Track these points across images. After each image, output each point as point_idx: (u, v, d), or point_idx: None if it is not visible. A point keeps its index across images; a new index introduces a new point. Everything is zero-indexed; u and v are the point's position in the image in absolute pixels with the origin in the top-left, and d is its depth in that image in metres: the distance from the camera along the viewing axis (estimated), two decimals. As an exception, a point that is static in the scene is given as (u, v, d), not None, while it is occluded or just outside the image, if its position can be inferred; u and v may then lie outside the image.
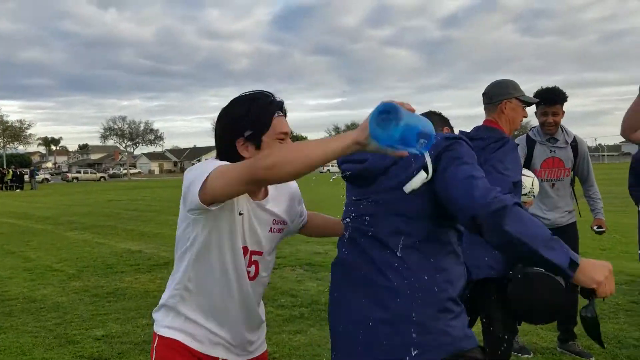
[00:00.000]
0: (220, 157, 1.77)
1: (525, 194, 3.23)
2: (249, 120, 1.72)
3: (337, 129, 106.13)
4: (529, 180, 3.26)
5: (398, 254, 1.69)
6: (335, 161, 1.88)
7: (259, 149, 1.73)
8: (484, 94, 3.02)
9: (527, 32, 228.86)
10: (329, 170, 50.77)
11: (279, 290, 5.99)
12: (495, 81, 3.01)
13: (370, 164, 1.81)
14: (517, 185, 2.71)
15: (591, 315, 1.54)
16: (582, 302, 1.59)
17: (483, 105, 3.01)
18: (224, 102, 1.79)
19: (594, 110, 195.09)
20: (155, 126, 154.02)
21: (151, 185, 43.82)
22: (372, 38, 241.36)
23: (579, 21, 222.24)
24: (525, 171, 3.25)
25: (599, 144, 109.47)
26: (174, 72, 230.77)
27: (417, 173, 1.66)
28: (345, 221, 1.90)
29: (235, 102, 1.78)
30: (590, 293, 1.45)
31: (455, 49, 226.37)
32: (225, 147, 1.76)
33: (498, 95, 2.94)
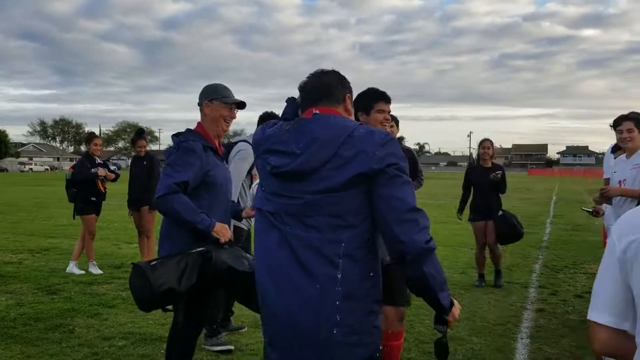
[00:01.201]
0: None
1: None
2: None
3: (43, 124, 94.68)
4: None
5: (333, 261, 1.73)
6: None
7: None
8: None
9: (244, 45, 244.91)
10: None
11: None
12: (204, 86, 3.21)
13: (305, 159, 1.76)
14: (191, 185, 2.95)
15: (445, 341, 1.87)
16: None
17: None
18: None
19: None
20: None
21: None
22: (86, 29, 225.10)
23: (289, 41, 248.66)
24: None
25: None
26: None
27: (352, 176, 1.72)
28: (264, 213, 1.87)
29: None
30: (445, 323, 1.84)
31: (176, 52, 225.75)
32: None
33: (200, 98, 3.16)
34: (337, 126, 1.79)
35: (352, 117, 1.99)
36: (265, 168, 1.88)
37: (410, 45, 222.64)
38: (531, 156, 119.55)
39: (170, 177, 2.90)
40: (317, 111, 1.88)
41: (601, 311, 1.32)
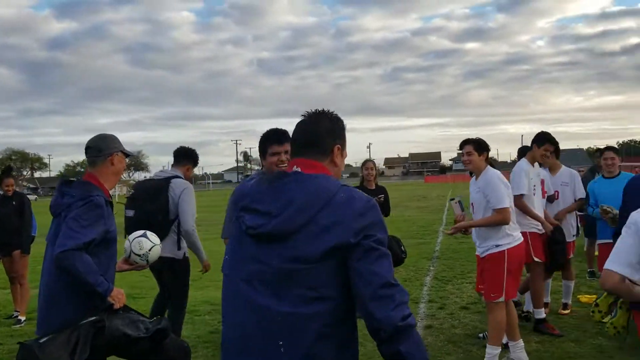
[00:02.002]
0: None
1: (139, 255, 3.25)
2: None
3: None
4: (148, 244, 3.26)
5: (306, 338, 1.64)
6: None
7: None
8: (88, 148, 3.07)
9: (138, 63, 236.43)
10: None
11: None
12: (100, 135, 3.14)
13: (280, 220, 1.69)
14: (94, 243, 2.82)
15: None
16: None
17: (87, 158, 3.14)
18: None
19: (201, 141, 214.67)
20: None
21: None
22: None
23: (185, 59, 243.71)
24: (149, 234, 3.32)
25: (205, 173, 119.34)
26: None
27: (328, 249, 1.63)
28: (234, 279, 1.76)
29: None
30: None
31: (64, 73, 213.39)
32: None
33: (107, 148, 3.05)
34: (316, 190, 1.72)
35: (341, 168, 1.93)
36: (240, 227, 1.78)
37: (308, 60, 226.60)
38: (427, 164, 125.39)
39: (76, 233, 2.77)
40: (298, 168, 1.80)
41: (622, 265, 2.19)
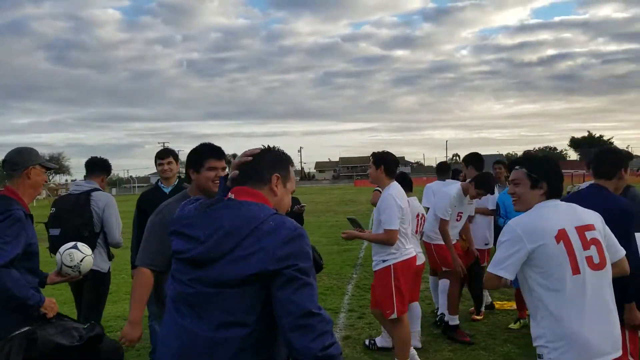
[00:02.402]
0: None
1: (70, 267, 3.29)
2: None
3: None
4: (79, 255, 3.32)
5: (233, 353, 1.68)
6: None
7: None
8: (4, 162, 3.08)
9: (60, 61, 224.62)
10: None
11: None
12: (17, 149, 3.13)
13: (206, 247, 1.73)
14: (18, 257, 2.83)
15: None
16: None
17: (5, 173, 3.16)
18: None
19: (126, 143, 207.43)
20: None
21: None
22: None
23: (111, 58, 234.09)
24: (80, 246, 3.37)
25: (131, 176, 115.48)
26: None
27: (247, 275, 1.67)
28: (170, 297, 1.81)
29: None
30: None
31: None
32: None
33: (22, 162, 3.04)
34: (246, 216, 1.76)
35: (282, 198, 1.97)
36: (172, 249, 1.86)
37: (239, 62, 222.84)
38: (357, 168, 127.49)
39: (1, 251, 2.77)
40: (232, 195, 1.86)
41: (509, 272, 2.56)
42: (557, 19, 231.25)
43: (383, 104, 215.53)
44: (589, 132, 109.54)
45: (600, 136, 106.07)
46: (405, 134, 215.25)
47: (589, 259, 2.55)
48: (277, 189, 1.93)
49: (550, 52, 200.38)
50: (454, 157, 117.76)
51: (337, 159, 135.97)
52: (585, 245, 2.56)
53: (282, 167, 1.98)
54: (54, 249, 4.10)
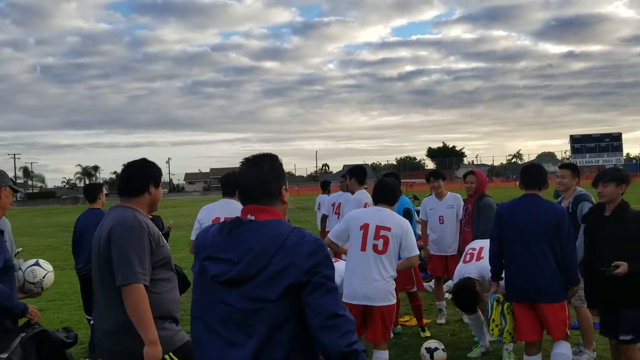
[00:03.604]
0: None
1: (33, 283, 3.42)
2: None
3: None
4: (41, 272, 3.44)
5: None
6: None
7: None
8: None
9: None
10: None
11: None
12: None
13: (242, 267, 1.93)
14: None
15: None
16: None
17: None
18: None
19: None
20: None
21: None
22: None
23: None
24: (42, 262, 3.51)
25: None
26: None
27: (284, 289, 1.89)
28: (203, 321, 1.98)
29: None
30: None
31: None
32: None
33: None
34: (270, 235, 1.98)
35: (286, 204, 2.17)
36: (204, 275, 2.02)
37: (101, 69, 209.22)
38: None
39: None
40: (252, 216, 2.04)
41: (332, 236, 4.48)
42: (414, 37, 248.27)
43: (254, 114, 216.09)
44: (443, 143, 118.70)
45: (453, 147, 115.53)
46: (277, 145, 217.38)
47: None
48: (285, 198, 2.14)
49: (409, 68, 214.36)
50: (323, 168, 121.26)
51: (208, 170, 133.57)
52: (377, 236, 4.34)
53: (283, 175, 2.17)
54: None
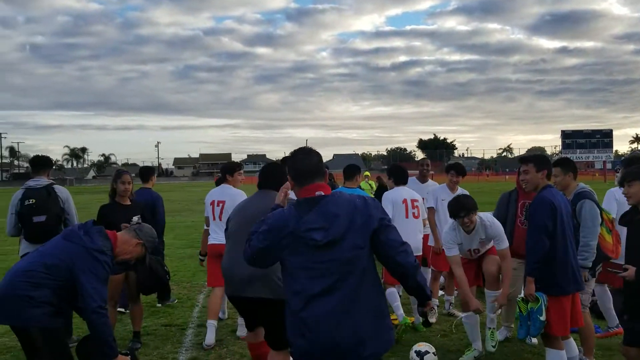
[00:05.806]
0: None
1: None
2: None
3: None
4: None
5: (373, 294, 2.72)
6: None
7: None
8: None
9: None
10: None
11: None
12: None
13: (334, 230, 2.63)
14: None
15: (427, 318, 3.33)
16: None
17: None
18: None
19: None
20: None
21: None
22: None
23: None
24: None
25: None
26: None
27: (370, 235, 2.70)
28: (307, 275, 2.63)
29: None
30: (426, 306, 2.92)
31: None
32: None
33: None
34: (345, 202, 2.70)
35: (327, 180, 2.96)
36: (307, 244, 2.61)
37: (91, 50, 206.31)
38: (217, 164, 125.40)
39: None
40: (321, 192, 2.71)
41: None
42: (408, 27, 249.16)
43: (245, 100, 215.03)
44: (434, 135, 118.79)
45: (445, 139, 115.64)
46: (267, 132, 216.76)
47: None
48: (327, 177, 2.89)
49: (402, 58, 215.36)
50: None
51: (198, 155, 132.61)
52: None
53: (323, 162, 2.94)
54: (37, 234, 4.91)
